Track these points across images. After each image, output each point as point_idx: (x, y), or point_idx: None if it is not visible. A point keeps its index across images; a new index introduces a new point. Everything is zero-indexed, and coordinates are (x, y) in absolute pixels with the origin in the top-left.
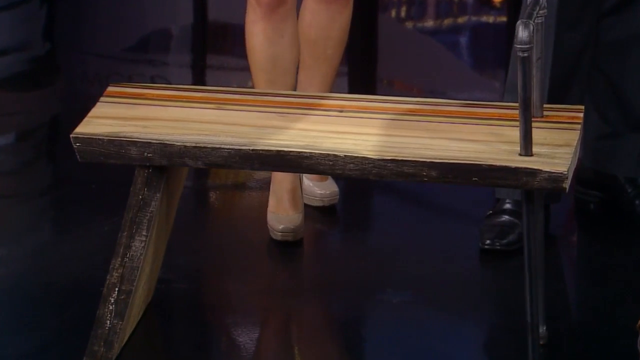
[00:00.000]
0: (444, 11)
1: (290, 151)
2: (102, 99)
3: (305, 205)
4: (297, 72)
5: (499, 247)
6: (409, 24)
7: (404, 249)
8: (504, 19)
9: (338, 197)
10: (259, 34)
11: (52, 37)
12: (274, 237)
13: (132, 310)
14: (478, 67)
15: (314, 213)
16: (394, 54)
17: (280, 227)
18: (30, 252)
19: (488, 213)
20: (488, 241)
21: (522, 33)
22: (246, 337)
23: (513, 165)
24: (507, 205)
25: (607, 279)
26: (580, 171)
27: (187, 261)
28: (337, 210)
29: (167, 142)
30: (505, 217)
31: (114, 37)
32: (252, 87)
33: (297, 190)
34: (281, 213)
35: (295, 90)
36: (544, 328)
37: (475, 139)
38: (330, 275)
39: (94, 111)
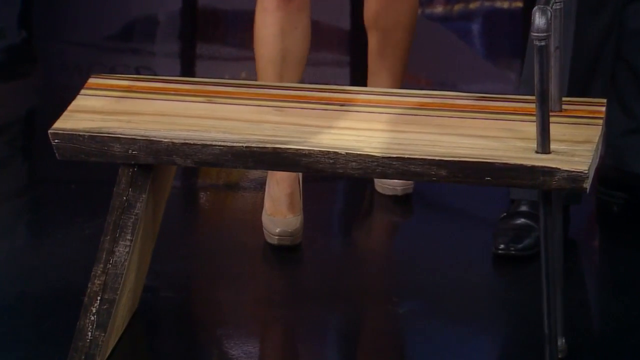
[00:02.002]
0: None
1: (287, 148)
2: (82, 91)
3: (378, 195)
4: (305, 64)
5: (514, 252)
6: None
7: (411, 255)
8: (519, 4)
9: (412, 185)
10: (271, 25)
11: (28, 24)
12: (269, 241)
13: (115, 321)
14: (491, 57)
15: (313, 215)
16: None
17: (277, 230)
18: (4, 258)
19: (502, 215)
20: (502, 246)
21: (539, 20)
22: (239, 351)
23: (529, 163)
24: (523, 207)
25: (631, 287)
26: (603, 170)
27: (175, 268)
28: (337, 213)
29: (153, 138)
30: (521, 220)
31: (95, 25)
32: (246, 79)
33: (296, 192)
34: (278, 216)
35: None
36: (563, 341)
37: (488, 135)
38: (331, 283)
39: (74, 105)
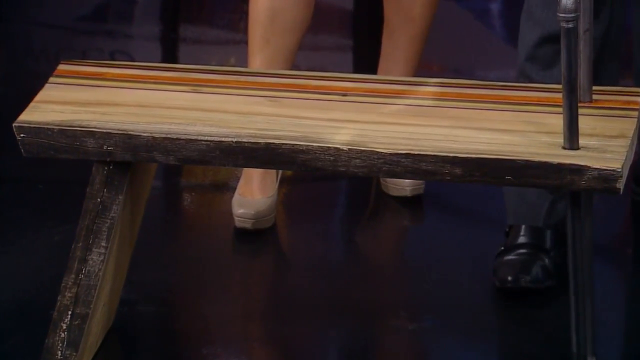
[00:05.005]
0: None
1: (282, 144)
2: (51, 79)
3: (384, 196)
4: (301, 36)
5: (524, 284)
6: None
7: (421, 263)
8: None
9: (423, 185)
10: None
11: None
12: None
13: (88, 339)
14: (513, 40)
15: (312, 219)
16: None
17: (240, 211)
18: None
19: (499, 250)
20: (510, 277)
21: None
22: None
23: (555, 160)
24: (522, 239)
25: None
26: (638, 168)
27: (156, 278)
28: (339, 216)
29: (131, 132)
30: (523, 252)
31: (65, 4)
32: (235, 66)
33: (271, 173)
34: (247, 196)
35: (294, 55)
36: None
37: (508, 128)
38: (331, 295)
39: (42, 94)
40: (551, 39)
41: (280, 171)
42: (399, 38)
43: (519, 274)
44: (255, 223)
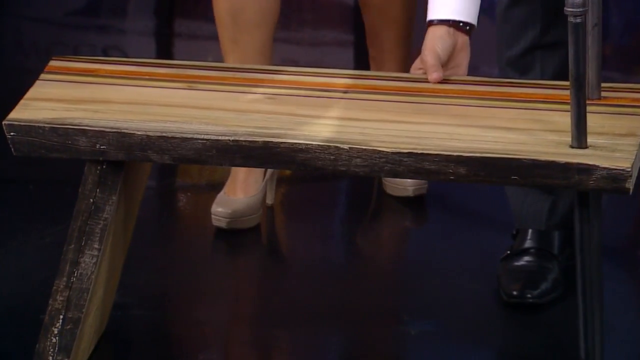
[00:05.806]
0: None
1: (281, 142)
2: (42, 76)
3: (386, 196)
4: (270, 29)
5: (531, 300)
6: None
7: (424, 266)
8: None
9: (426, 185)
10: None
11: None
12: None
13: (80, 344)
14: None
15: (312, 220)
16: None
17: (217, 209)
18: None
19: (505, 254)
20: (515, 292)
21: None
22: None
23: (562, 160)
24: (529, 243)
25: None
26: None
27: (150, 281)
28: (339, 217)
29: (124, 130)
30: (530, 260)
31: None
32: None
33: (256, 172)
34: (230, 194)
35: (268, 49)
36: None
37: (514, 126)
38: (332, 298)
39: (33, 91)
40: (530, 49)
41: (270, 171)
42: (383, 42)
43: (525, 290)
44: (231, 222)
